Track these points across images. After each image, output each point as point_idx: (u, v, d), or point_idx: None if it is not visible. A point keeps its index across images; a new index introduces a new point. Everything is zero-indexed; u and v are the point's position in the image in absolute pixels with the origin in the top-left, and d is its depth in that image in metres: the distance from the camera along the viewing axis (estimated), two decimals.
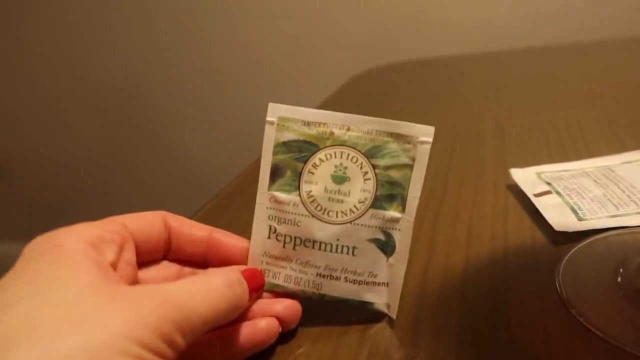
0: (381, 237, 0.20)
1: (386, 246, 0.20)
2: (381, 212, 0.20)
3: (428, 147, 0.19)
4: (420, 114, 0.45)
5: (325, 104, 0.54)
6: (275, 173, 0.20)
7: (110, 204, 1.15)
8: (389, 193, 0.20)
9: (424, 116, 0.44)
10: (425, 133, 0.20)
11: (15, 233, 0.74)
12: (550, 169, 0.30)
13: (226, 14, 0.87)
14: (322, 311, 0.21)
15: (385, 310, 0.20)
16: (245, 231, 0.21)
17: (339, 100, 0.55)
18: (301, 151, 0.20)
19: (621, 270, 0.21)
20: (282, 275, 0.20)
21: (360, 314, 0.20)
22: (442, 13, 0.75)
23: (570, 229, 0.24)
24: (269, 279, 0.20)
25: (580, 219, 0.24)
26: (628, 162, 0.29)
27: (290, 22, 0.83)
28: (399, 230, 0.20)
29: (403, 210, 0.20)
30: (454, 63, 0.64)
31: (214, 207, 0.32)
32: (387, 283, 0.20)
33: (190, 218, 0.21)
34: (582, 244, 0.23)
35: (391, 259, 0.20)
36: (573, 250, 0.23)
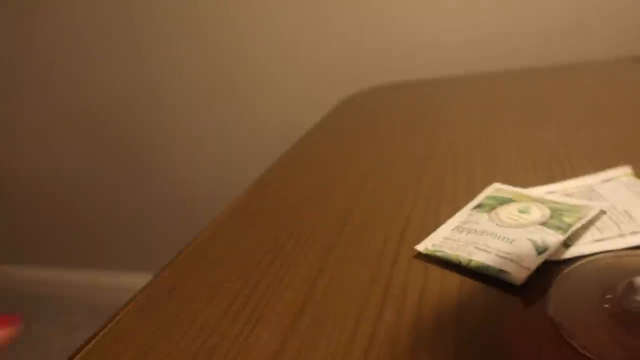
0: (539, 241, 0.25)
1: (540, 247, 0.25)
2: (547, 230, 0.26)
3: (599, 213, 0.27)
4: (413, 135, 0.47)
5: (320, 126, 0.55)
6: (478, 205, 0.30)
7: (98, 228, 1.15)
8: (558, 225, 0.26)
9: (416, 137, 0.46)
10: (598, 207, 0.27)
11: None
12: (536, 193, 0.31)
13: (213, 40, 0.89)
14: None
15: (517, 283, 0.24)
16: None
17: (334, 122, 0.57)
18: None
19: (608, 294, 0.22)
20: (446, 246, 0.27)
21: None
22: (431, 35, 0.77)
23: (558, 257, 0.25)
24: (436, 249, 0.27)
25: (566, 245, 0.26)
26: (608, 180, 0.31)
27: (282, 46, 0.85)
28: (553, 243, 0.25)
29: (563, 234, 0.26)
30: (445, 84, 0.65)
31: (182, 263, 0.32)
32: (529, 269, 0.24)
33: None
34: (570, 267, 0.24)
35: (540, 257, 0.24)
36: (561, 274, 0.24)
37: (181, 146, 0.98)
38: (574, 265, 0.24)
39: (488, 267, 0.25)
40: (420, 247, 0.28)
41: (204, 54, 0.88)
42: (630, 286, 0.22)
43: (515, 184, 0.33)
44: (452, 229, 0.29)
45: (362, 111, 0.60)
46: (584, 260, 0.24)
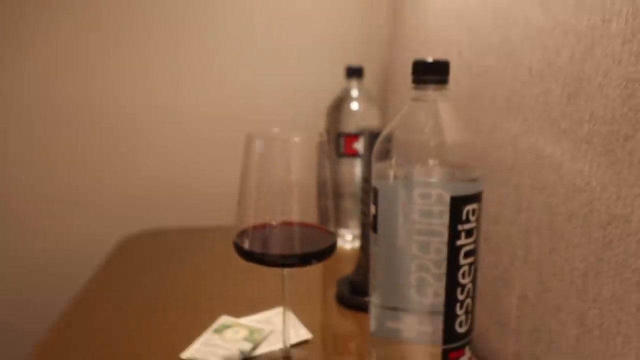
0: (242, 348, 0.45)
1: (243, 352, 0.45)
2: (246, 342, 0.45)
3: (270, 331, 0.47)
4: (179, 277, 0.71)
5: (99, 272, 0.75)
6: (214, 330, 0.45)
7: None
8: (252, 339, 0.46)
9: (182, 279, 0.71)
10: None
11: None
12: (243, 321, 0.60)
13: None
14: None
15: None
16: None
17: (111, 266, 0.77)
18: None
19: None
20: (197, 353, 0.44)
21: None
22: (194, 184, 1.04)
23: (251, 355, 0.53)
24: (192, 355, 0.43)
25: (254, 349, 0.54)
26: (275, 315, 0.61)
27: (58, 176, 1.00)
28: (249, 348, 0.46)
29: (253, 343, 0.46)
30: (202, 233, 0.93)
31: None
32: None
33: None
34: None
35: (241, 356, 0.46)
36: None
37: None
38: (256, 359, 0.53)
39: None
40: (184, 355, 0.52)
41: None
42: None
43: (235, 316, 0.61)
44: (201, 344, 0.54)
45: (135, 255, 0.82)
46: (260, 356, 0.53)
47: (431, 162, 0.42)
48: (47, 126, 0.97)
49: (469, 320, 0.43)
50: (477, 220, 0.42)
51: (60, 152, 0.98)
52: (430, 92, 0.42)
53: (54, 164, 0.98)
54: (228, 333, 0.56)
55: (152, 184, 1.02)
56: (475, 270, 0.43)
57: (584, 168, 0.39)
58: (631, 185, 0.34)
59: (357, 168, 0.82)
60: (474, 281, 0.43)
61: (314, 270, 0.76)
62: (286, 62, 1.01)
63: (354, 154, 0.82)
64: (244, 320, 0.60)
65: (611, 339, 0.36)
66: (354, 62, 0.89)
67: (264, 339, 0.56)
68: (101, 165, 1.00)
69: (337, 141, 0.82)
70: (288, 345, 0.49)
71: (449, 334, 0.42)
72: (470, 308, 0.43)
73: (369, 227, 0.60)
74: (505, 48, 0.52)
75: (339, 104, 0.84)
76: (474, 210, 0.41)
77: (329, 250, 0.45)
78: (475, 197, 0.41)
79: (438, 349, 0.42)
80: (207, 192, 1.02)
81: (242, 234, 0.45)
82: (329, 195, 0.47)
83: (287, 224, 0.45)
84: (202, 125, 1.01)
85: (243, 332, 0.56)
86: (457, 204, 0.40)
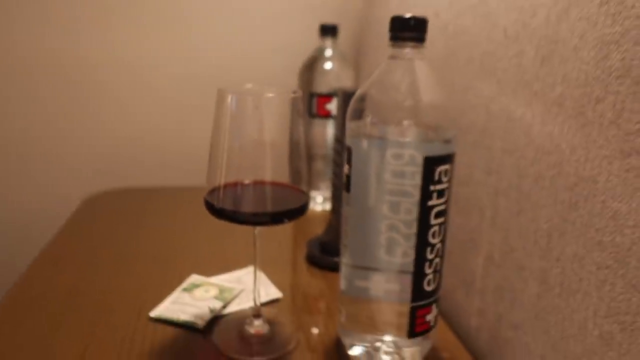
0: (211, 306, 0.45)
1: (212, 310, 0.45)
2: (216, 300, 0.45)
3: (241, 290, 0.46)
4: (144, 236, 0.70)
5: (65, 229, 0.73)
6: (184, 288, 0.44)
7: None
8: (222, 297, 0.45)
9: (147, 238, 0.70)
10: None
11: None
12: (214, 280, 0.59)
13: None
14: None
15: (200, 327, 0.45)
16: None
17: (79, 223, 0.75)
18: None
19: (241, 328, 0.51)
20: (167, 312, 0.43)
21: None
22: (160, 141, 1.02)
23: (220, 313, 0.53)
24: (161, 314, 0.43)
25: (224, 307, 0.54)
26: (246, 274, 0.61)
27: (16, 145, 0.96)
28: (218, 307, 0.46)
29: (224, 302, 0.45)
30: (170, 193, 0.91)
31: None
32: (206, 320, 0.45)
33: None
34: (224, 317, 0.52)
35: (211, 314, 0.45)
36: (220, 321, 0.52)
37: None
38: (226, 316, 0.53)
39: (187, 321, 0.51)
40: (152, 313, 0.52)
41: None
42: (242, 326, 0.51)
43: (205, 275, 0.61)
44: (170, 302, 0.54)
45: (102, 213, 0.80)
46: (230, 314, 0.53)
47: (405, 122, 0.42)
48: (9, 82, 0.92)
49: (437, 279, 0.44)
50: (449, 181, 0.42)
51: (23, 108, 0.94)
52: (408, 50, 0.41)
53: (16, 121, 0.94)
54: (198, 292, 0.56)
55: (119, 142, 0.99)
56: (445, 231, 0.43)
57: (553, 130, 0.40)
58: (600, 146, 0.34)
59: (329, 129, 0.81)
60: (443, 241, 0.43)
61: (285, 232, 0.76)
62: (258, 19, 0.98)
63: (327, 115, 0.81)
64: (214, 279, 0.60)
65: (571, 295, 0.37)
66: (329, 20, 0.87)
67: (234, 297, 0.56)
68: (66, 121, 0.96)
69: (310, 101, 0.81)
70: (258, 303, 0.49)
71: (417, 292, 0.43)
72: (438, 267, 0.44)
73: (340, 188, 0.60)
74: (482, 9, 0.52)
75: (312, 64, 0.83)
76: (446, 171, 0.41)
77: (301, 209, 0.45)
78: (448, 158, 0.41)
79: (406, 307, 0.43)
80: (177, 152, 1.00)
81: (214, 191, 0.44)
82: (302, 155, 0.46)
83: (260, 183, 0.44)
84: (172, 83, 0.98)
85: (213, 291, 0.56)
86: (430, 164, 0.40)
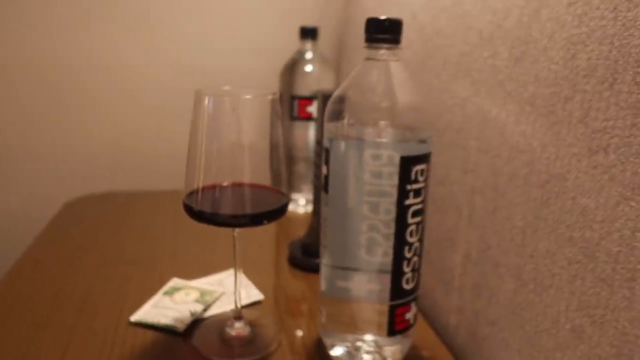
0: (192, 310, 0.45)
1: (193, 313, 0.45)
2: (197, 304, 0.45)
3: (221, 294, 0.46)
4: (124, 240, 0.70)
5: (45, 233, 0.73)
6: (165, 292, 0.44)
7: None
8: (203, 301, 0.45)
9: (127, 242, 0.69)
10: None
11: None
12: (194, 284, 0.59)
13: None
14: None
15: (180, 331, 0.44)
16: None
17: (59, 227, 0.75)
18: None
19: (222, 332, 0.51)
20: (147, 316, 0.43)
21: None
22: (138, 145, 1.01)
23: (201, 316, 0.53)
24: (141, 318, 0.42)
25: (205, 311, 0.54)
26: (227, 277, 0.61)
27: None
28: (199, 310, 0.45)
29: (205, 305, 0.45)
30: (151, 197, 0.90)
31: None
32: (186, 324, 0.45)
33: None
34: (205, 321, 0.52)
35: (192, 317, 0.45)
36: (201, 324, 0.52)
37: None
38: (207, 319, 0.53)
39: (167, 325, 0.51)
40: (133, 318, 0.52)
41: None
42: (222, 327, 0.51)
43: (186, 278, 0.61)
44: (150, 306, 0.54)
45: (83, 217, 0.79)
46: (211, 317, 0.53)
47: (382, 123, 0.42)
48: None
49: (416, 278, 0.44)
50: (426, 180, 0.43)
51: (2, 111, 0.92)
52: (383, 52, 0.42)
53: None
54: (179, 295, 0.56)
55: (100, 146, 0.98)
56: (423, 230, 0.44)
57: (526, 129, 0.41)
58: (569, 144, 0.35)
59: (310, 132, 0.81)
60: (421, 240, 0.44)
61: (267, 234, 0.76)
62: (238, 21, 0.98)
63: (308, 118, 0.81)
64: (195, 282, 0.59)
65: (544, 290, 0.38)
66: (309, 22, 0.88)
67: (215, 300, 0.56)
68: (46, 125, 0.95)
69: (291, 104, 0.81)
70: (239, 306, 0.49)
71: (396, 291, 0.43)
72: (417, 266, 0.44)
73: (321, 189, 0.61)
74: (457, 10, 0.52)
75: (293, 66, 0.83)
76: (422, 171, 0.42)
77: (280, 210, 0.45)
78: (424, 158, 0.42)
79: (385, 306, 0.43)
80: (158, 155, 0.99)
81: (192, 194, 0.44)
82: (282, 158, 0.46)
83: (239, 185, 0.45)
84: (152, 86, 0.97)
85: (194, 294, 0.56)
86: (406, 164, 0.41)
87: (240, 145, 0.45)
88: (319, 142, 0.63)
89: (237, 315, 0.49)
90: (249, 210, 0.45)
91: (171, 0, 0.95)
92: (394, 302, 0.43)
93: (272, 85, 0.87)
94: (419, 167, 0.41)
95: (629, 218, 0.30)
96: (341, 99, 0.43)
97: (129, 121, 0.98)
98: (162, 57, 0.97)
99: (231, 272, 0.62)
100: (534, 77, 0.40)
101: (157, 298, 0.55)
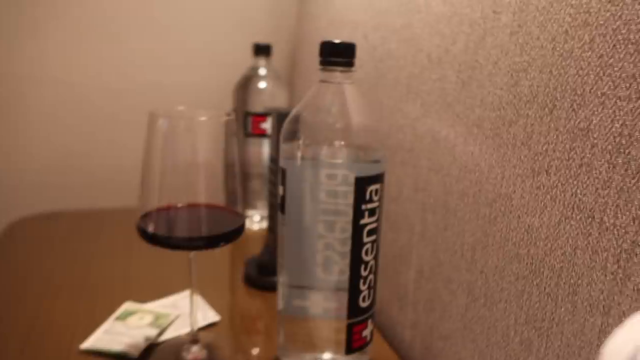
0: (147, 334, 0.43)
1: (148, 338, 0.43)
2: (152, 328, 0.43)
3: (177, 316, 0.45)
4: (72, 263, 0.67)
5: None
6: (117, 317, 0.41)
7: None
8: (158, 325, 0.43)
9: (76, 264, 0.66)
10: None
11: None
12: (148, 307, 0.58)
13: None
14: None
15: (135, 357, 0.43)
16: None
17: (0, 250, 0.71)
18: None
19: (179, 355, 0.50)
20: (98, 343, 0.41)
21: None
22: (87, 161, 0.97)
23: (156, 341, 0.52)
24: (92, 345, 0.40)
25: (160, 335, 0.53)
26: (182, 299, 0.60)
27: None
28: (154, 334, 0.44)
29: (159, 329, 0.44)
30: (101, 215, 0.87)
31: None
32: (140, 349, 0.43)
33: None
34: (160, 345, 0.51)
35: (146, 342, 0.43)
36: (157, 349, 0.50)
37: None
38: (162, 344, 0.51)
39: (120, 352, 0.49)
40: (83, 345, 0.50)
41: None
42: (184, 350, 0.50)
43: (140, 301, 0.59)
44: (102, 333, 0.52)
45: (27, 240, 0.76)
46: (167, 341, 0.52)
47: (337, 143, 0.43)
48: None
49: (372, 295, 0.45)
50: (380, 199, 0.44)
51: None
52: (337, 74, 0.43)
53: None
54: (132, 319, 0.54)
55: (45, 162, 0.94)
56: (378, 248, 0.45)
57: (474, 150, 0.42)
58: (513, 166, 0.37)
59: (264, 148, 0.81)
60: (376, 258, 0.45)
61: (222, 252, 0.75)
62: (191, 37, 0.97)
63: (262, 134, 0.81)
64: (149, 305, 0.58)
65: (494, 305, 0.40)
66: (263, 38, 0.88)
67: (171, 323, 0.55)
68: None
69: (245, 121, 0.81)
70: (195, 328, 0.48)
71: (353, 308, 0.44)
72: (372, 283, 0.45)
73: (276, 207, 0.61)
74: (407, 33, 0.54)
75: (247, 83, 0.83)
76: (376, 190, 0.43)
77: (236, 231, 0.45)
78: (378, 178, 0.43)
79: (343, 323, 0.44)
80: (107, 171, 0.96)
81: (146, 216, 0.43)
82: (237, 176, 0.46)
83: (194, 206, 0.44)
84: (102, 100, 0.95)
85: (148, 318, 0.55)
86: (361, 184, 0.42)
87: (195, 166, 0.44)
88: (273, 159, 0.63)
89: (194, 338, 0.49)
90: (204, 232, 0.44)
91: (123, 14, 0.93)
92: (351, 320, 0.44)
93: (226, 101, 0.87)
94: (373, 187, 0.42)
95: (570, 236, 0.32)
96: (296, 120, 0.44)
97: (77, 137, 0.95)
98: (113, 71, 0.94)
99: (186, 293, 0.61)
100: (480, 100, 0.42)
101: (109, 324, 0.53)
